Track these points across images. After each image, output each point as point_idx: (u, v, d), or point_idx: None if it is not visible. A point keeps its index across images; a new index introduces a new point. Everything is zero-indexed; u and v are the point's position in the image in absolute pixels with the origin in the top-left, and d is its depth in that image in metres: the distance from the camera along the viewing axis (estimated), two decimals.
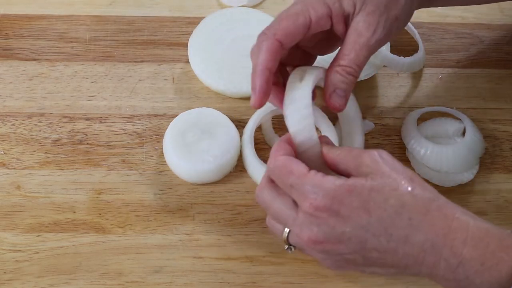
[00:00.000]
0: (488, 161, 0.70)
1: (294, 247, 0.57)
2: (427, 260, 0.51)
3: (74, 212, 0.65)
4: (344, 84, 0.58)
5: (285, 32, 0.56)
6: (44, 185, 0.67)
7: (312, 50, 0.63)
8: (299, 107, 0.56)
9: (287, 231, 0.56)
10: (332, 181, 0.52)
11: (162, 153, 0.69)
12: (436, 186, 0.66)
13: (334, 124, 0.69)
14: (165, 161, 0.68)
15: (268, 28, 0.58)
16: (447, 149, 0.68)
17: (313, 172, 0.53)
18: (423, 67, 0.76)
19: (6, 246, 0.63)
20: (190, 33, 0.76)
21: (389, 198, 0.51)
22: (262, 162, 0.67)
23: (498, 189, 0.67)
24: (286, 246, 0.57)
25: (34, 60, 0.75)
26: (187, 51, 0.75)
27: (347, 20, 0.59)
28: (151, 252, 0.63)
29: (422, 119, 0.71)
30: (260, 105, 0.57)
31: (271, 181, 0.56)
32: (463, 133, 0.70)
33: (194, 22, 0.77)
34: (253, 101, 0.57)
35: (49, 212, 0.65)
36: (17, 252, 0.63)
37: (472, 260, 0.50)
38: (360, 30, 0.58)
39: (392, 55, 0.73)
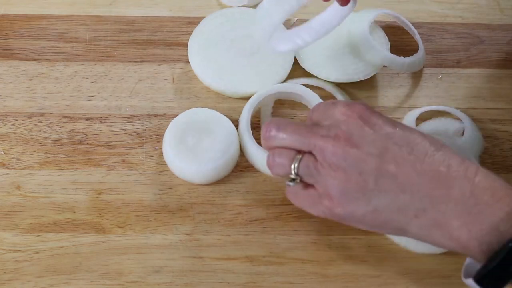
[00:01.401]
0: (488, 161, 0.70)
1: (299, 178, 0.57)
2: (441, 182, 0.52)
3: (74, 212, 0.65)
4: None
5: None
6: (44, 185, 0.67)
7: None
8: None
9: (299, 158, 0.56)
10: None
11: (162, 153, 0.69)
12: None
13: None
14: (165, 161, 0.68)
15: None
16: None
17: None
18: (423, 67, 0.76)
19: (6, 246, 0.63)
20: (190, 33, 0.76)
21: (413, 129, 0.55)
22: (262, 148, 0.67)
23: None
24: (290, 179, 0.58)
25: (34, 60, 0.75)
26: (187, 51, 0.75)
27: None
28: (151, 252, 0.63)
29: (422, 119, 0.71)
30: None
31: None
32: (463, 133, 0.70)
33: (194, 22, 0.77)
34: None
35: (49, 212, 0.65)
36: (17, 252, 0.63)
37: (483, 189, 0.51)
38: None
39: (392, 55, 0.73)
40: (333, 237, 0.64)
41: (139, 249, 0.63)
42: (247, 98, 0.71)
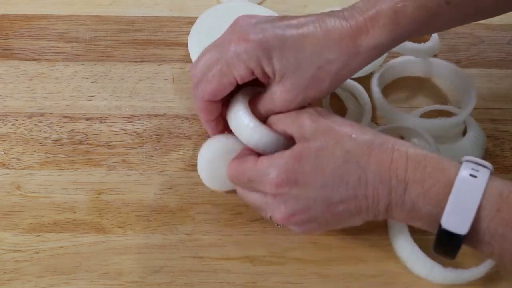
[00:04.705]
0: (488, 161, 0.69)
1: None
2: (381, 194, 0.55)
3: (74, 212, 0.65)
4: None
5: (212, 93, 0.59)
6: (44, 185, 0.67)
7: None
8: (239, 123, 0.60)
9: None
10: (279, 156, 0.56)
11: (162, 153, 0.69)
12: None
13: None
14: (165, 161, 0.68)
15: (196, 86, 0.60)
16: (447, 149, 0.68)
17: (262, 157, 0.58)
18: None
19: (6, 246, 0.63)
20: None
21: (335, 150, 0.55)
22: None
23: None
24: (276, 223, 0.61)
25: (34, 60, 0.76)
26: (187, 51, 0.75)
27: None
28: (151, 252, 0.63)
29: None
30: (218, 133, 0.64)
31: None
32: (464, 133, 0.70)
33: (194, 22, 0.77)
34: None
35: (49, 212, 0.65)
36: (17, 252, 0.63)
37: (414, 183, 0.54)
38: (276, 101, 0.59)
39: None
40: (333, 237, 0.64)
41: (139, 249, 0.63)
42: None
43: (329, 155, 0.55)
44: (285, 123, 0.58)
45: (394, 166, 0.54)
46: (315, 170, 0.55)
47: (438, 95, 0.74)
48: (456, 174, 0.53)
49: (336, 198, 0.56)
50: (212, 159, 0.63)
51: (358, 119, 0.71)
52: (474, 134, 0.69)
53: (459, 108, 0.72)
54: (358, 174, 0.55)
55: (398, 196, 0.54)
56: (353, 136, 0.56)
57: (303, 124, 0.57)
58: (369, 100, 0.71)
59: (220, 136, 0.63)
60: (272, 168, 0.56)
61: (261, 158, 0.57)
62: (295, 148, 0.56)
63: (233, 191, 0.66)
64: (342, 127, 0.56)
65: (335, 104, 0.72)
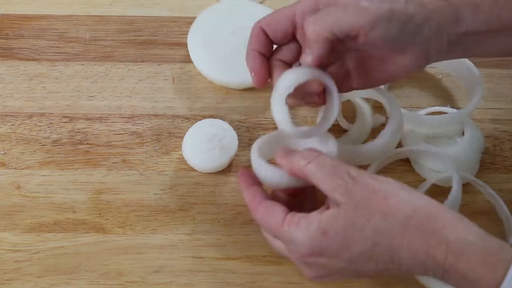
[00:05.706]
0: (488, 161, 0.70)
1: None
2: (417, 271, 0.52)
3: (74, 212, 0.65)
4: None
5: (268, 22, 0.59)
6: (44, 185, 0.67)
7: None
8: (277, 96, 0.57)
9: None
10: (306, 228, 0.53)
11: (162, 153, 0.69)
12: (436, 186, 0.66)
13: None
14: (165, 161, 0.68)
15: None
16: (447, 149, 0.68)
17: (287, 221, 0.54)
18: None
19: (6, 246, 0.63)
20: None
21: (365, 229, 0.52)
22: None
23: (498, 189, 0.67)
24: None
25: (34, 60, 0.75)
26: (187, 51, 0.75)
27: None
28: (151, 252, 0.63)
29: None
30: (260, 83, 0.59)
31: None
32: (463, 133, 0.70)
33: (194, 22, 0.77)
34: (253, 81, 0.60)
35: (49, 212, 0.65)
36: (17, 252, 0.63)
37: (454, 272, 0.50)
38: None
39: None
40: None
41: (139, 249, 0.63)
42: (250, 89, 0.72)
43: (358, 234, 0.52)
44: (318, 179, 0.54)
45: (432, 252, 0.50)
46: (342, 247, 0.52)
47: (437, 96, 0.74)
48: (503, 273, 0.48)
49: (364, 271, 0.53)
50: (196, 139, 0.68)
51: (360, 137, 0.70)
52: (472, 134, 0.69)
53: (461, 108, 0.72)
54: (389, 255, 0.52)
55: (436, 275, 0.51)
56: (388, 213, 0.52)
57: (336, 190, 0.53)
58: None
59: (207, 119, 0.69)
60: (298, 239, 0.53)
61: (287, 220, 0.54)
62: (324, 219, 0.53)
63: (233, 191, 0.67)
64: (377, 200, 0.52)
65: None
